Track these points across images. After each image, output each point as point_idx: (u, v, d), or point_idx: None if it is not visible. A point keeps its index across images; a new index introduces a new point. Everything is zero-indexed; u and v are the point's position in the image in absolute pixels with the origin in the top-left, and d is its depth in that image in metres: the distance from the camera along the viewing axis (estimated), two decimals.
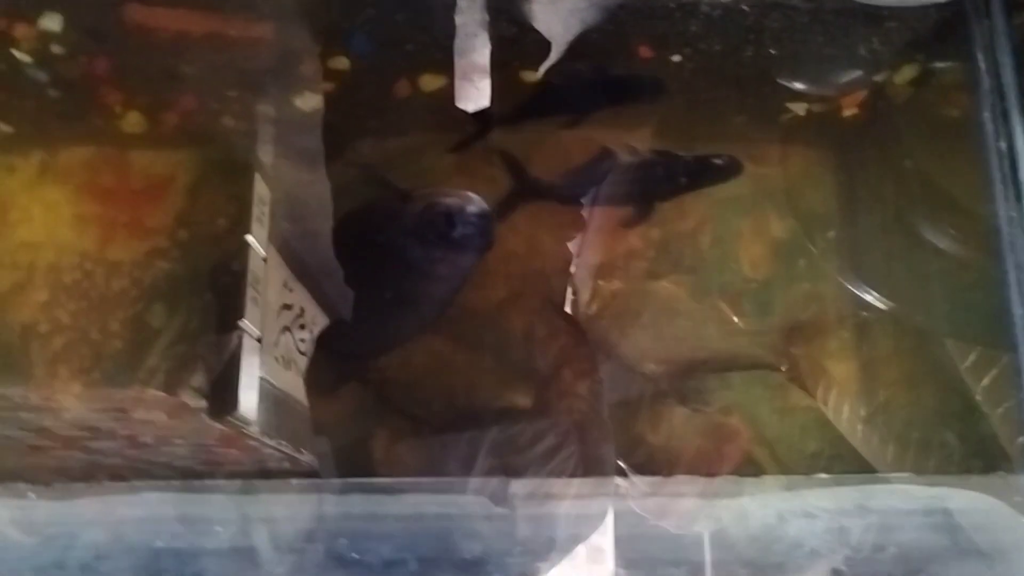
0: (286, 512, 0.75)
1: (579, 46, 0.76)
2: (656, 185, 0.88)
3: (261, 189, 0.80)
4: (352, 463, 0.84)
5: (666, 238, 0.90)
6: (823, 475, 0.77)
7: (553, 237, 0.89)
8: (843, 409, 0.87)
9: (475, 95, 0.75)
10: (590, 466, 0.80)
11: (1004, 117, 0.76)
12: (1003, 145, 0.75)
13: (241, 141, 0.87)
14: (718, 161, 0.86)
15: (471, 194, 0.86)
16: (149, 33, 0.74)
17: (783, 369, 0.88)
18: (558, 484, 0.77)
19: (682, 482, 0.75)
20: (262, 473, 0.81)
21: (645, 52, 0.80)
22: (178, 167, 0.86)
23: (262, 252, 0.79)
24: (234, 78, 0.81)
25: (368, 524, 0.73)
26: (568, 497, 0.75)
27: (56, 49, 0.77)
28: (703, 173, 0.87)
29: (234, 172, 0.81)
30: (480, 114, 0.79)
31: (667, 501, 0.75)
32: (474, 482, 0.76)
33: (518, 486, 0.74)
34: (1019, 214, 0.74)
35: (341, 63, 0.80)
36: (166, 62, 0.79)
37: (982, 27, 0.78)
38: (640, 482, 0.78)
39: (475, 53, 0.74)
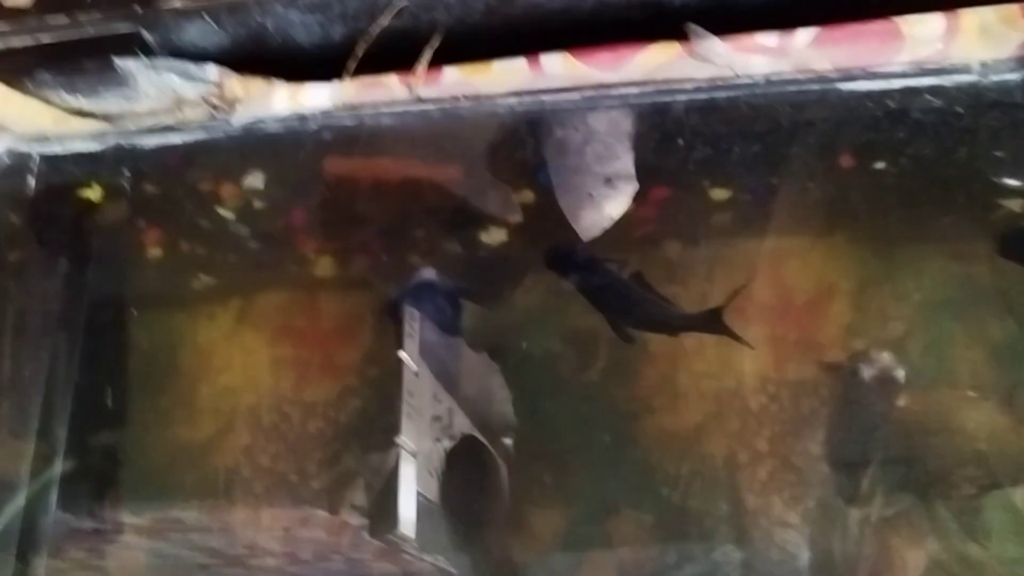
0: None
1: (776, 162, 0.73)
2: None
3: (411, 308, 0.82)
4: None
5: (872, 347, 0.84)
6: None
7: None
8: None
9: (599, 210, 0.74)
10: None
11: None
12: None
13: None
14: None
15: (421, 270, 0.87)
16: (346, 183, 0.76)
17: None
18: None
19: None
20: None
21: (846, 161, 0.77)
22: (366, 307, 0.89)
23: (414, 367, 0.80)
24: (422, 218, 0.83)
25: None
26: None
27: (257, 204, 0.80)
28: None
29: None
30: None
31: None
32: None
33: None
34: None
35: (527, 196, 0.80)
36: (359, 208, 0.81)
37: None
38: None
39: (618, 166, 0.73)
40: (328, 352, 0.89)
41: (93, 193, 0.78)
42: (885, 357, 0.82)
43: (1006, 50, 0.64)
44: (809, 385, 0.85)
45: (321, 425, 0.87)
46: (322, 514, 0.79)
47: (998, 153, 0.73)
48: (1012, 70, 0.65)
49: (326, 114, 0.64)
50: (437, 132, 0.72)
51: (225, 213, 0.82)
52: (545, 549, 0.85)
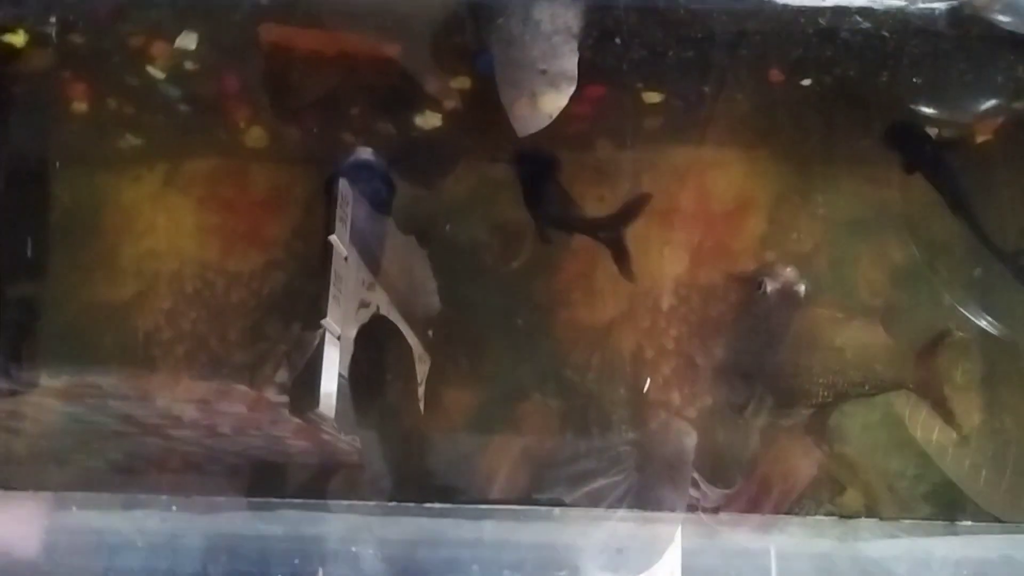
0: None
1: (709, 70, 0.75)
2: None
3: (345, 190, 0.82)
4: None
5: (781, 260, 0.88)
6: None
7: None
8: (932, 431, 0.85)
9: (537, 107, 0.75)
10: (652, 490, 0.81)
11: None
12: None
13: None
14: None
15: (356, 149, 0.87)
16: (282, 52, 0.75)
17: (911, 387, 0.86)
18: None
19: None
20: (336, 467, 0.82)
21: (775, 76, 0.79)
22: (296, 181, 0.89)
23: (344, 251, 0.80)
24: (358, 96, 0.82)
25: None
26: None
27: (189, 66, 0.79)
28: None
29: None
30: None
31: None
32: None
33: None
34: None
35: (464, 83, 0.80)
36: (293, 79, 0.80)
37: None
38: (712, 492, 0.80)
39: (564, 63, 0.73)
40: (255, 223, 0.89)
41: (17, 39, 0.75)
42: (789, 272, 0.86)
43: None
44: (718, 291, 0.89)
45: (244, 296, 0.87)
46: (243, 388, 0.80)
47: (916, 80, 0.76)
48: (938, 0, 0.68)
49: None
50: (378, 7, 0.71)
51: (155, 72, 0.80)
52: (454, 428, 0.88)
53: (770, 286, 0.86)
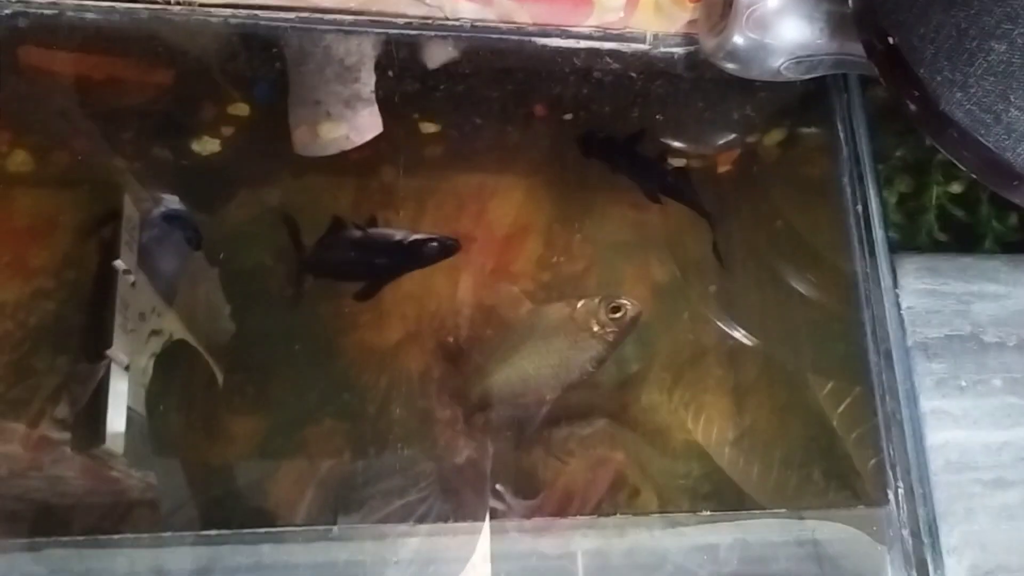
0: None
1: (480, 103, 0.80)
2: (379, 264, 0.90)
3: (131, 212, 0.80)
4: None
5: (556, 280, 0.94)
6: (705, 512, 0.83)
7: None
8: (712, 432, 0.93)
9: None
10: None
11: (860, 180, 0.84)
12: (859, 207, 0.84)
13: (135, 182, 0.87)
14: (434, 244, 0.90)
15: (162, 198, 0.86)
16: (44, 75, 0.72)
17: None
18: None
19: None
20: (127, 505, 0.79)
21: (540, 111, 0.84)
22: (65, 207, 0.85)
23: (132, 277, 0.78)
24: (130, 121, 0.81)
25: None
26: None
27: None
28: (420, 254, 0.88)
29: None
30: None
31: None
32: None
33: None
34: (873, 270, 0.83)
35: (242, 109, 0.81)
36: (59, 103, 0.77)
37: (841, 100, 0.86)
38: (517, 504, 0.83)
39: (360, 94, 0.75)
40: (19, 251, 0.84)
41: None
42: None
43: (674, 26, 0.74)
44: (495, 313, 0.93)
45: (9, 327, 0.83)
46: (17, 427, 0.75)
47: (659, 116, 0.84)
48: (678, 44, 0.75)
49: (23, 0, 0.61)
50: (147, 35, 0.70)
51: None
52: (243, 456, 0.87)
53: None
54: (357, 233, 0.86)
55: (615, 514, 0.84)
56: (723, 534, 0.78)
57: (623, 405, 0.93)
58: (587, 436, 0.92)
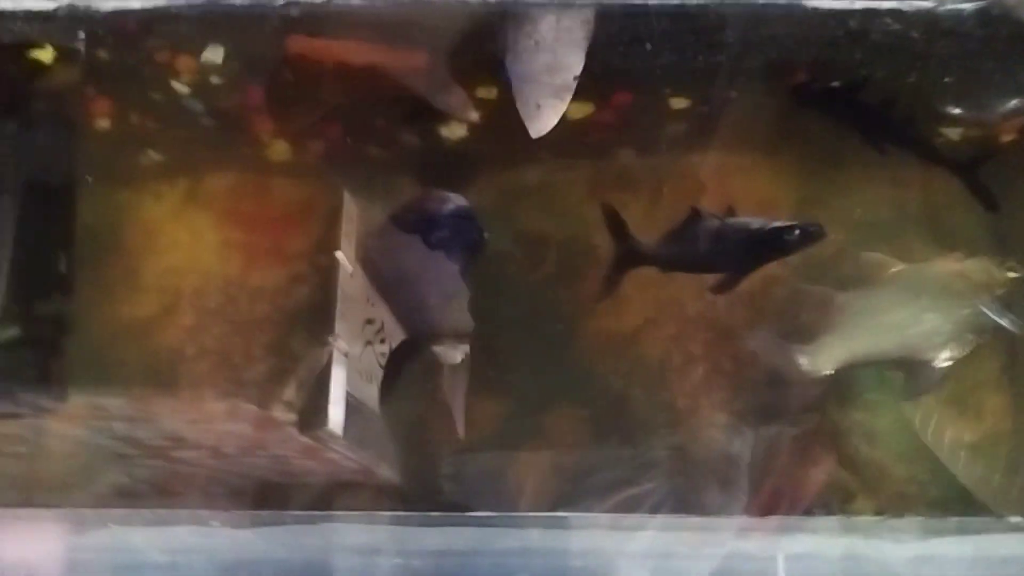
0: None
1: (736, 72, 0.75)
2: (738, 255, 0.85)
3: (350, 207, 0.82)
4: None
5: (807, 263, 0.88)
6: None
7: None
8: (944, 435, 0.85)
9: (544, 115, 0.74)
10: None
11: None
12: None
13: (383, 170, 0.89)
14: (796, 231, 0.82)
15: (448, 195, 0.86)
16: (309, 64, 0.74)
17: None
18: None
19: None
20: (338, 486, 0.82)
21: (802, 79, 0.79)
22: (319, 194, 0.88)
23: (350, 268, 0.80)
24: (383, 107, 0.82)
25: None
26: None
27: (214, 80, 0.78)
28: (782, 243, 0.82)
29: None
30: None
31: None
32: None
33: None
34: None
35: (491, 92, 0.80)
36: (318, 92, 0.80)
37: None
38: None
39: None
40: (277, 238, 0.88)
41: (44, 55, 0.75)
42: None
43: None
44: (745, 295, 0.88)
45: (268, 310, 0.87)
46: (250, 407, 0.79)
47: (946, 80, 0.76)
48: (966, 0, 0.68)
49: None
50: (406, 18, 0.71)
51: (179, 87, 0.79)
52: (483, 441, 0.88)
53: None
54: (715, 223, 0.82)
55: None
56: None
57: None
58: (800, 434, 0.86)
